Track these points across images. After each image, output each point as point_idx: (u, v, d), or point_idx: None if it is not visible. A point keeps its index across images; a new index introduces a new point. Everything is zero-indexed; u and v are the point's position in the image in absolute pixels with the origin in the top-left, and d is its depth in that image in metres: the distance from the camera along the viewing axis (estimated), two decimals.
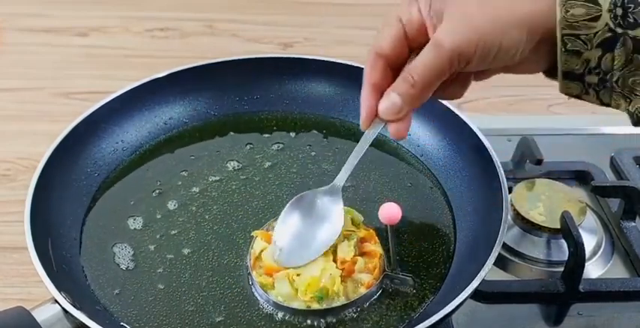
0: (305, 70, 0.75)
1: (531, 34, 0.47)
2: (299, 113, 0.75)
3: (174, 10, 1.12)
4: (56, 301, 0.51)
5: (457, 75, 0.53)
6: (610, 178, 0.76)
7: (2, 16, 1.10)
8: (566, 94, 0.51)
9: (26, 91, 0.95)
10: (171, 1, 1.15)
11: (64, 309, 0.50)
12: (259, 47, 1.05)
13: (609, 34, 0.46)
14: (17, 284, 0.69)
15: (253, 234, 0.60)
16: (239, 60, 0.75)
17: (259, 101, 0.76)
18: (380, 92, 0.53)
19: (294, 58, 0.76)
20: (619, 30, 0.45)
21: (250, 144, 0.72)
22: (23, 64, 1.00)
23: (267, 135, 0.73)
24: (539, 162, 0.72)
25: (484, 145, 0.63)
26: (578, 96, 0.50)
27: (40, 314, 0.50)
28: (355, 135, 0.73)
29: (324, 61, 0.75)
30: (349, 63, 0.74)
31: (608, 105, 0.50)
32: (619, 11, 0.45)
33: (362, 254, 0.58)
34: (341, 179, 0.58)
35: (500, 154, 0.63)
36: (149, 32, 1.08)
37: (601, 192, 0.72)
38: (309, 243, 0.57)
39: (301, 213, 0.59)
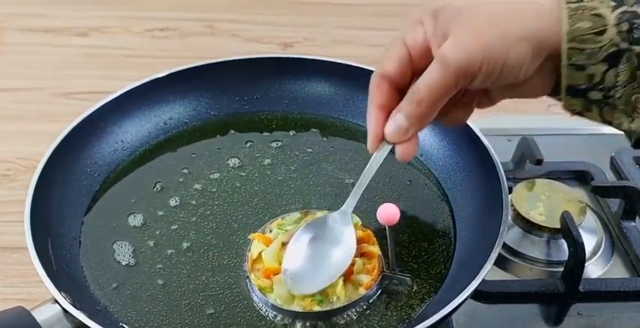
0: (305, 70, 0.75)
1: (537, 50, 0.47)
2: (299, 113, 0.75)
3: (174, 10, 1.12)
4: (56, 301, 0.51)
5: (460, 99, 0.53)
6: (610, 178, 0.76)
7: (2, 16, 1.10)
8: (568, 111, 0.50)
9: (26, 91, 0.95)
10: (171, 1, 1.15)
11: (64, 309, 0.50)
12: (259, 47, 1.05)
13: (614, 49, 0.45)
14: (17, 284, 0.69)
15: (250, 236, 0.60)
16: (239, 60, 0.75)
17: (259, 101, 0.76)
18: (386, 113, 0.53)
19: (294, 58, 0.76)
20: (624, 45, 0.45)
21: (251, 141, 0.72)
22: (23, 64, 1.00)
23: (266, 134, 0.73)
24: (539, 162, 0.72)
25: (484, 145, 0.63)
26: (580, 114, 0.50)
27: (40, 314, 0.50)
28: (355, 135, 0.73)
29: (324, 61, 0.75)
30: (349, 63, 0.74)
31: (610, 123, 0.49)
32: (624, 26, 0.45)
33: (360, 255, 0.58)
34: (350, 205, 0.58)
35: (500, 154, 0.63)
36: (149, 32, 1.08)
37: (601, 192, 0.72)
38: (322, 269, 0.56)
39: (311, 240, 0.58)
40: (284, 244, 0.58)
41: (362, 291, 0.55)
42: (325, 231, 0.58)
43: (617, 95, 0.47)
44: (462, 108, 0.55)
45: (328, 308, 0.55)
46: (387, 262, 0.58)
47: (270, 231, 0.60)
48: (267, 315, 0.56)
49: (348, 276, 0.56)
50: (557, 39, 0.46)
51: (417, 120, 0.51)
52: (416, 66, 0.52)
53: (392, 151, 0.54)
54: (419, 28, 0.51)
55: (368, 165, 0.56)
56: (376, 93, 0.53)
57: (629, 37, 0.45)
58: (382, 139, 0.53)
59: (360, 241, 0.58)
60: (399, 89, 0.53)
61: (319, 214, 0.61)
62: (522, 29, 0.47)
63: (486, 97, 0.55)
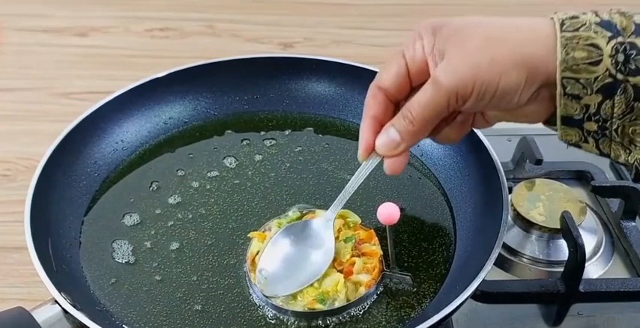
0: (305, 70, 0.75)
1: (531, 77, 0.46)
2: (299, 113, 0.75)
3: (174, 10, 1.12)
4: (56, 301, 0.51)
5: (454, 118, 0.54)
6: (610, 178, 0.76)
7: (2, 16, 1.10)
8: (565, 142, 0.50)
9: (26, 91, 0.95)
10: (171, 1, 1.15)
11: (64, 309, 0.50)
12: (259, 47, 1.05)
13: (610, 80, 0.45)
14: (17, 284, 0.69)
15: (250, 235, 0.60)
16: (239, 60, 0.75)
17: (259, 101, 0.76)
18: (379, 125, 0.53)
19: (294, 58, 0.76)
20: (620, 76, 0.44)
21: (250, 141, 0.72)
22: (23, 64, 1.00)
23: (266, 134, 0.73)
24: (539, 162, 0.72)
25: (484, 145, 0.63)
26: (576, 145, 0.49)
27: (40, 315, 0.50)
28: (355, 135, 0.73)
29: (324, 60, 0.75)
30: (349, 63, 0.74)
31: (607, 155, 0.48)
32: (620, 57, 0.44)
33: (361, 254, 0.58)
34: (333, 211, 0.58)
35: (501, 154, 0.63)
36: (149, 32, 1.08)
37: (601, 192, 0.72)
38: (297, 273, 0.56)
39: (290, 243, 0.58)
40: None
41: (362, 291, 0.56)
42: (305, 235, 0.58)
43: (613, 127, 0.46)
44: (457, 127, 0.55)
45: (329, 307, 0.55)
46: (387, 261, 0.58)
47: (270, 230, 0.60)
48: (268, 315, 0.56)
49: (348, 276, 0.56)
50: (553, 66, 0.46)
51: (408, 137, 0.51)
52: (414, 80, 0.52)
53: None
54: (418, 43, 0.51)
55: (355, 174, 0.56)
56: (371, 103, 0.53)
57: (625, 68, 0.44)
58: (372, 150, 0.53)
59: (360, 241, 0.58)
60: (395, 102, 0.53)
61: (318, 213, 0.61)
62: (516, 54, 0.46)
63: (483, 119, 0.54)
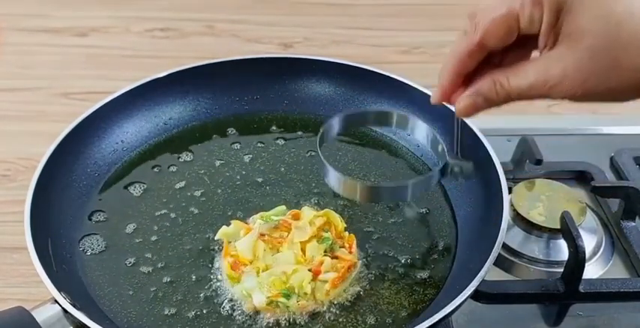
0: (305, 70, 0.75)
1: None
2: (299, 113, 0.75)
3: (174, 10, 1.12)
4: (56, 301, 0.51)
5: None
6: (610, 178, 0.76)
7: (2, 16, 1.10)
8: None
9: (26, 91, 0.95)
10: (171, 1, 1.15)
11: (64, 309, 0.50)
12: (259, 47, 1.05)
13: None
14: (17, 284, 0.69)
15: (232, 222, 0.60)
16: (239, 60, 0.75)
17: (259, 101, 0.76)
18: (464, 79, 0.51)
19: (294, 58, 0.76)
20: None
21: (247, 141, 0.72)
22: (23, 64, 1.00)
23: (266, 134, 0.73)
24: (539, 162, 0.72)
25: (484, 145, 0.63)
26: None
27: (40, 314, 0.50)
28: (354, 135, 0.73)
29: (324, 61, 0.75)
30: (349, 63, 0.74)
31: None
32: None
33: (334, 257, 0.57)
34: None
35: (501, 154, 0.63)
36: (149, 32, 1.08)
37: (601, 192, 0.72)
38: None
39: None
40: (262, 235, 0.58)
41: (328, 288, 0.55)
42: None
43: None
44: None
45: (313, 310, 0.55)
46: (452, 147, 0.58)
47: (254, 223, 0.60)
48: (250, 312, 0.56)
49: (316, 275, 0.56)
50: None
51: (493, 105, 0.50)
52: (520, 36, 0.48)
53: (391, 151, 0.54)
54: (537, 7, 0.46)
55: None
56: (467, 62, 0.50)
57: None
58: (447, 99, 0.52)
59: (341, 245, 0.58)
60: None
61: (304, 210, 0.60)
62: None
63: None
